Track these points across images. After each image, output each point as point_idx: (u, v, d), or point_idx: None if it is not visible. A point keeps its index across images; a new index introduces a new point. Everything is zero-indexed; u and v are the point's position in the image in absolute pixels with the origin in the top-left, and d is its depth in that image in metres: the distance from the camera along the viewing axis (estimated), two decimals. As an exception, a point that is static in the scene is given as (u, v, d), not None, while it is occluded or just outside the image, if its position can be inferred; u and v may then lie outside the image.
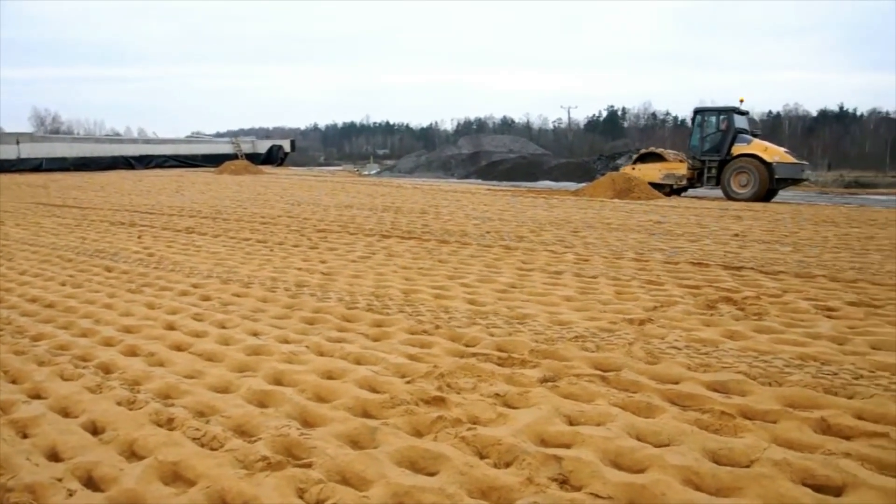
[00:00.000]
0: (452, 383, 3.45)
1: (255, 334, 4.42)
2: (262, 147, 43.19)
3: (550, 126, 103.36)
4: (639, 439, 2.80)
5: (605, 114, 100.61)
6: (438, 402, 3.20)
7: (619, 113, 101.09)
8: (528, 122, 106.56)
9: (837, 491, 2.39)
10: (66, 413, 3.23)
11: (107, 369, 3.81)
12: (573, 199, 17.17)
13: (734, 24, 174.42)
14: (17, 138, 32.13)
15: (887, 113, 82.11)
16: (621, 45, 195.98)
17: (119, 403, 3.25)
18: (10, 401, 3.34)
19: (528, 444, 2.74)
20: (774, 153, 18.94)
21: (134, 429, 2.94)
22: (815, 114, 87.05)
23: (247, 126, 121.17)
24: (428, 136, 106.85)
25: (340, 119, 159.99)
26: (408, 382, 3.46)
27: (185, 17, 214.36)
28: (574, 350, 3.97)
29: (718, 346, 4.07)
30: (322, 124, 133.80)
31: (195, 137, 44.80)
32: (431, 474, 2.54)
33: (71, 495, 2.44)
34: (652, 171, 20.80)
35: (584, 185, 21.14)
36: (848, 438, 2.81)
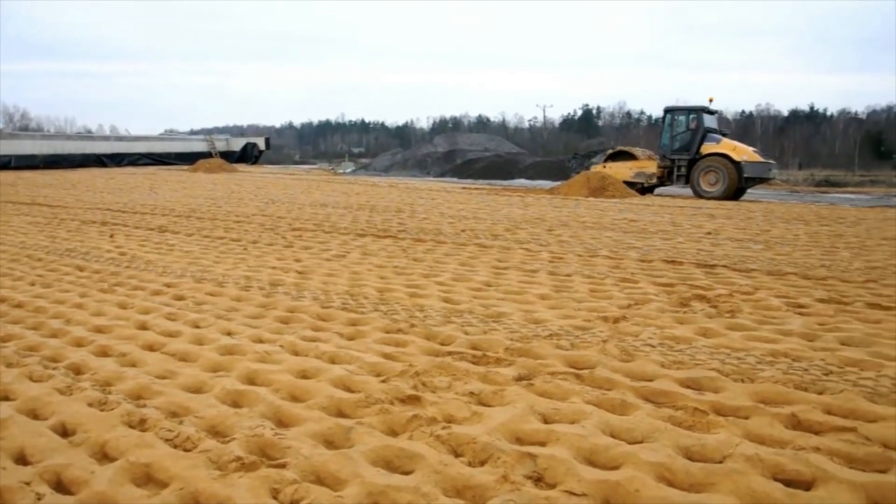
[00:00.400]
0: (427, 382, 3.44)
1: (229, 334, 4.38)
2: (237, 145, 42.96)
3: (526, 125, 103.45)
4: (613, 436, 2.82)
5: (580, 112, 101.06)
6: (413, 400, 3.20)
7: (594, 112, 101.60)
8: (503, 120, 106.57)
9: (808, 485, 2.43)
10: (35, 415, 3.16)
11: (77, 370, 3.75)
12: (548, 197, 17.26)
13: (708, 25, 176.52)
14: (-15, 135, 31.63)
15: (856, 113, 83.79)
16: (597, 45, 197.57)
17: (90, 405, 3.19)
18: (-24, 403, 3.27)
19: (502, 442, 2.74)
20: (743, 152, 19.18)
21: (105, 430, 2.89)
22: (786, 114, 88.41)
23: (221, 124, 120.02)
24: (403, 135, 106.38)
25: (316, 117, 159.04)
26: (383, 381, 3.45)
27: (159, 14, 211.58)
28: (549, 348, 3.99)
29: (692, 343, 4.12)
30: (297, 122, 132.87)
31: (169, 135, 44.41)
32: (406, 473, 2.54)
33: (40, 499, 2.39)
34: (623, 170, 20.99)
35: (559, 183, 21.26)
36: (818, 433, 2.86)
